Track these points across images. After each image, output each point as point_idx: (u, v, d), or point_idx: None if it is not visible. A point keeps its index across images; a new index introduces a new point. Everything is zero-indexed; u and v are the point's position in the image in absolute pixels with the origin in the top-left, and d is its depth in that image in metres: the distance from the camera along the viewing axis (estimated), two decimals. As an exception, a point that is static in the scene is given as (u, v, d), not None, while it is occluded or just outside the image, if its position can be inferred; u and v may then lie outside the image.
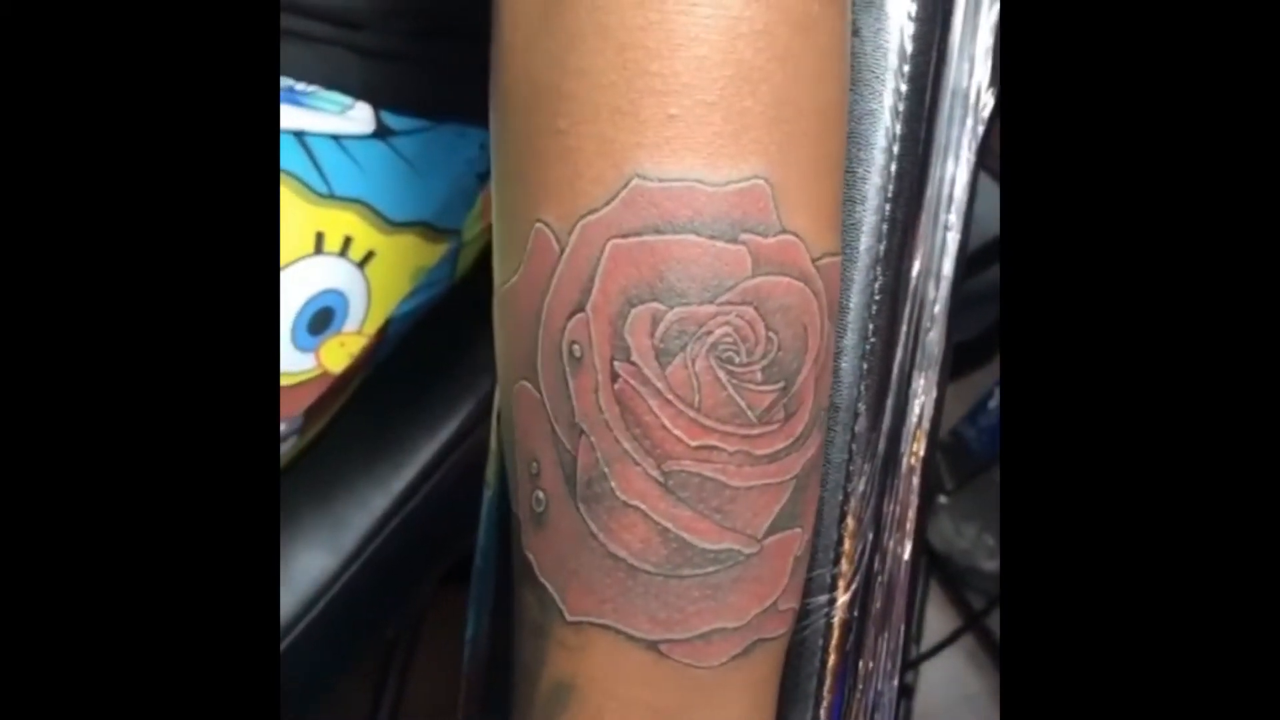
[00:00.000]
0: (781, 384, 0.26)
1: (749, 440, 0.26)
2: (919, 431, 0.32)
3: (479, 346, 0.58)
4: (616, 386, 0.26)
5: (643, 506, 0.26)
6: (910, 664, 0.97)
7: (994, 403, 0.89)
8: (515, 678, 0.29)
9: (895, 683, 0.32)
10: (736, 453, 0.26)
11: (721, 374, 0.26)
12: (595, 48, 0.25)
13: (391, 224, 0.49)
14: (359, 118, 0.47)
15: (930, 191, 0.32)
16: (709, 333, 0.25)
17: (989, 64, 0.33)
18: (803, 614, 0.30)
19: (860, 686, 0.32)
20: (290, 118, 0.45)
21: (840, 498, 0.31)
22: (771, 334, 0.26)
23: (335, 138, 0.46)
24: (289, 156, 0.45)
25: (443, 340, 0.57)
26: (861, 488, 0.31)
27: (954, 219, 0.32)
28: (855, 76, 0.31)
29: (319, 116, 0.46)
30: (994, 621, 0.99)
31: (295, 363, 0.47)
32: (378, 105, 0.47)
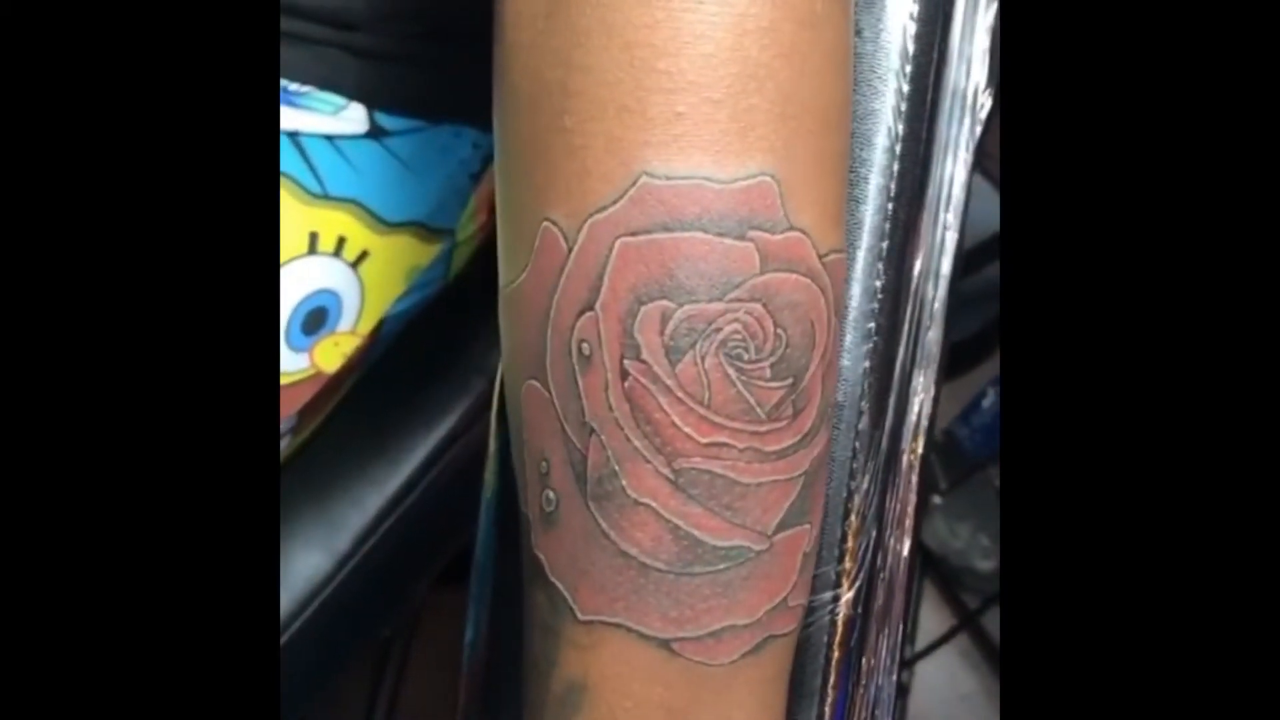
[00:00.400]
0: (790, 380, 0.26)
1: (758, 437, 0.26)
2: (918, 429, 0.32)
3: (473, 346, 0.58)
4: (626, 384, 0.25)
5: (653, 504, 0.26)
6: (906, 663, 0.97)
7: (987, 402, 0.90)
8: (525, 678, 0.29)
9: (894, 678, 0.32)
10: (746, 449, 0.26)
11: (731, 371, 0.25)
12: (601, 45, 0.25)
13: (385, 224, 0.48)
14: (353, 118, 0.47)
15: (931, 191, 0.32)
16: (718, 330, 0.25)
17: (986, 65, 0.33)
18: (808, 610, 0.30)
19: (863, 682, 0.32)
20: (285, 118, 0.45)
21: (844, 495, 0.31)
22: (780, 330, 0.26)
23: (329, 138, 0.46)
24: (283, 157, 0.45)
25: (437, 340, 0.57)
26: (865, 485, 0.31)
27: (952, 218, 0.32)
28: (858, 76, 0.31)
29: (313, 117, 0.46)
30: (989, 621, 0.99)
31: (289, 363, 0.47)
32: (371, 106, 0.47)
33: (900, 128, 0.31)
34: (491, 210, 0.55)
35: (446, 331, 0.57)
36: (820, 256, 0.27)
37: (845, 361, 0.32)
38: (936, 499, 0.99)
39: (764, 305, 0.26)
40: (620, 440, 0.26)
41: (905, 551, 0.32)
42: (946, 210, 0.32)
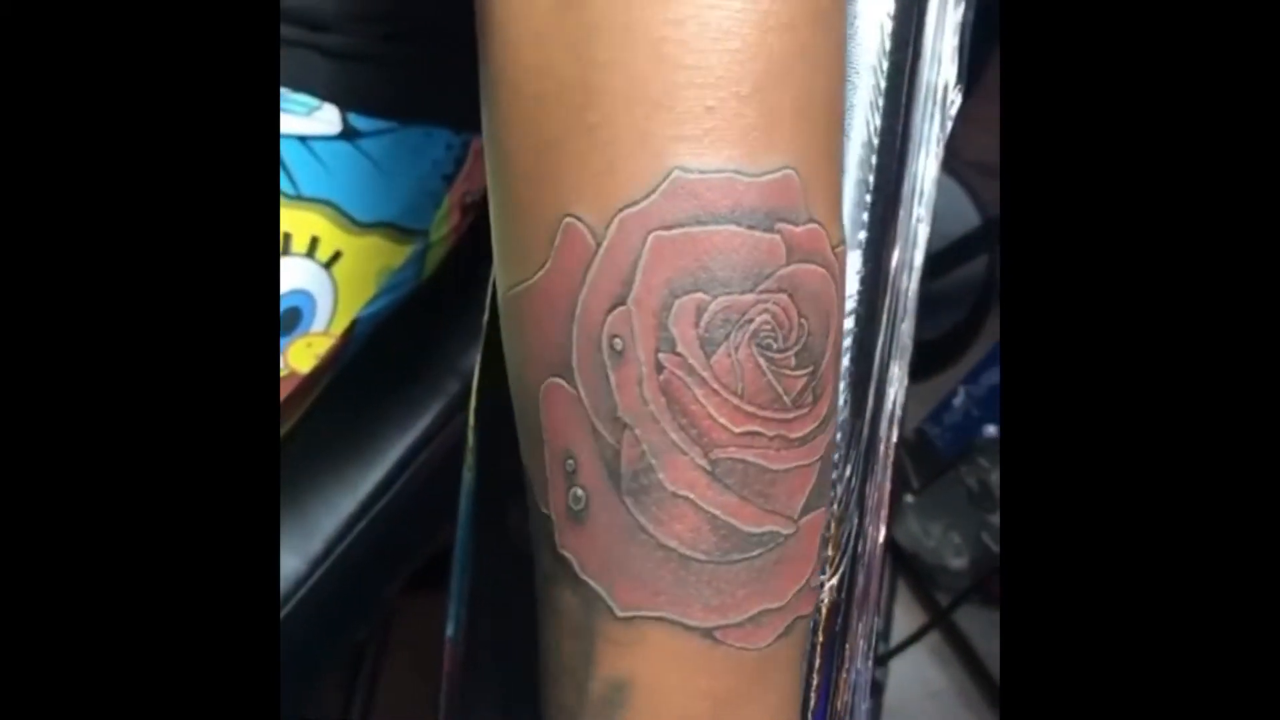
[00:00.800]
0: (810, 368, 0.27)
1: (785, 424, 0.26)
2: (894, 418, 0.33)
3: (447, 347, 0.58)
4: (662, 378, 0.26)
5: (691, 496, 0.26)
6: (879, 660, 0.98)
7: (958, 400, 0.90)
8: (551, 684, 0.29)
9: (871, 663, 0.33)
10: (775, 437, 0.26)
11: (762, 361, 0.26)
12: (624, 41, 0.25)
13: (358, 225, 0.48)
14: (326, 119, 0.47)
15: (907, 185, 0.33)
16: (750, 321, 0.26)
17: (955, 62, 0.34)
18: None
19: (845, 666, 0.33)
20: (257, 118, 0.45)
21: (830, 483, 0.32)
22: (803, 320, 0.26)
23: (302, 139, 0.46)
24: (256, 156, 0.44)
25: (410, 341, 0.57)
26: (848, 473, 0.32)
27: (924, 212, 0.33)
28: (838, 71, 0.32)
29: (286, 118, 0.46)
30: (961, 618, 1.00)
31: (263, 364, 0.47)
32: (344, 107, 0.47)
33: (878, 122, 0.32)
34: (465, 211, 0.55)
35: (420, 332, 0.57)
36: (832, 247, 0.27)
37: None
38: (909, 498, 0.99)
39: (789, 296, 0.26)
40: (657, 433, 0.26)
41: (881, 538, 0.33)
42: (919, 204, 0.33)
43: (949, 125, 0.33)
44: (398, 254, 0.51)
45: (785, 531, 0.27)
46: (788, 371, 0.26)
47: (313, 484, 0.55)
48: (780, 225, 0.26)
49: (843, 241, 0.28)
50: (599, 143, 0.25)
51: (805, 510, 0.27)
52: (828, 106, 0.27)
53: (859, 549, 0.32)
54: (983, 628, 0.98)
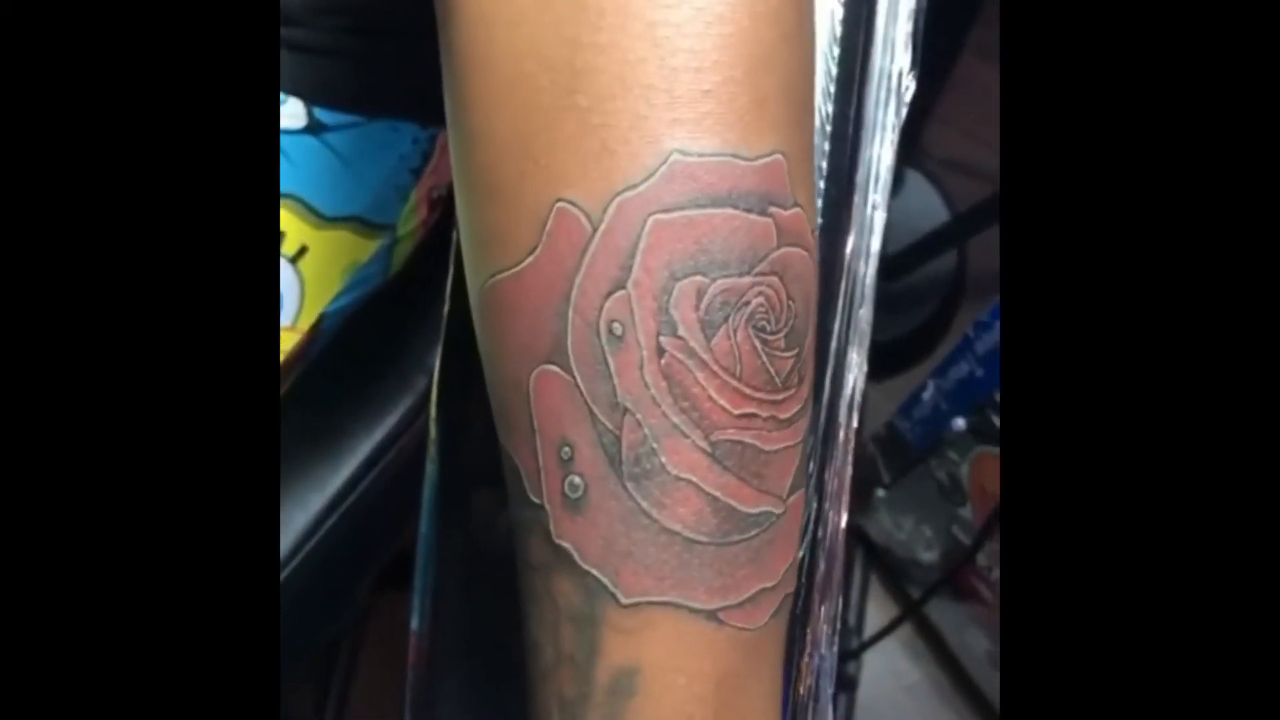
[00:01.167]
0: (796, 350, 0.27)
1: (776, 405, 0.27)
2: (852, 404, 0.33)
3: (414, 342, 0.58)
4: (663, 361, 0.25)
5: (694, 478, 0.26)
6: (852, 654, 0.98)
7: (927, 394, 0.91)
8: (549, 678, 0.28)
9: (835, 649, 0.33)
10: (768, 418, 0.26)
11: (757, 343, 0.26)
12: (618, 24, 0.25)
13: (324, 219, 0.48)
14: (291, 113, 0.47)
15: (861, 171, 0.33)
16: (747, 303, 0.26)
17: (909, 49, 0.34)
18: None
19: (808, 651, 0.33)
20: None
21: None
22: (790, 302, 0.27)
23: (266, 132, 0.46)
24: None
25: (377, 337, 0.57)
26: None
27: (880, 198, 0.33)
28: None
29: (249, 111, 0.45)
30: (933, 612, 1.01)
31: (228, 360, 0.46)
32: (310, 101, 0.47)
33: (829, 108, 0.32)
34: (432, 205, 0.55)
35: (387, 328, 0.57)
36: (811, 231, 0.27)
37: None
38: (880, 492, 1.00)
39: (780, 278, 0.26)
40: (659, 417, 0.26)
41: (843, 524, 0.33)
42: (875, 190, 0.33)
43: (904, 112, 0.33)
44: (365, 249, 0.51)
45: (777, 511, 0.27)
46: (779, 353, 0.26)
47: (282, 481, 0.54)
48: (772, 209, 0.26)
49: (818, 224, 0.28)
50: (591, 126, 0.25)
51: (793, 489, 0.28)
52: (806, 92, 0.27)
53: (819, 534, 0.33)
54: (954, 620, 0.98)
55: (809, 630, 0.33)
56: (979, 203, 0.98)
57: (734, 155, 0.25)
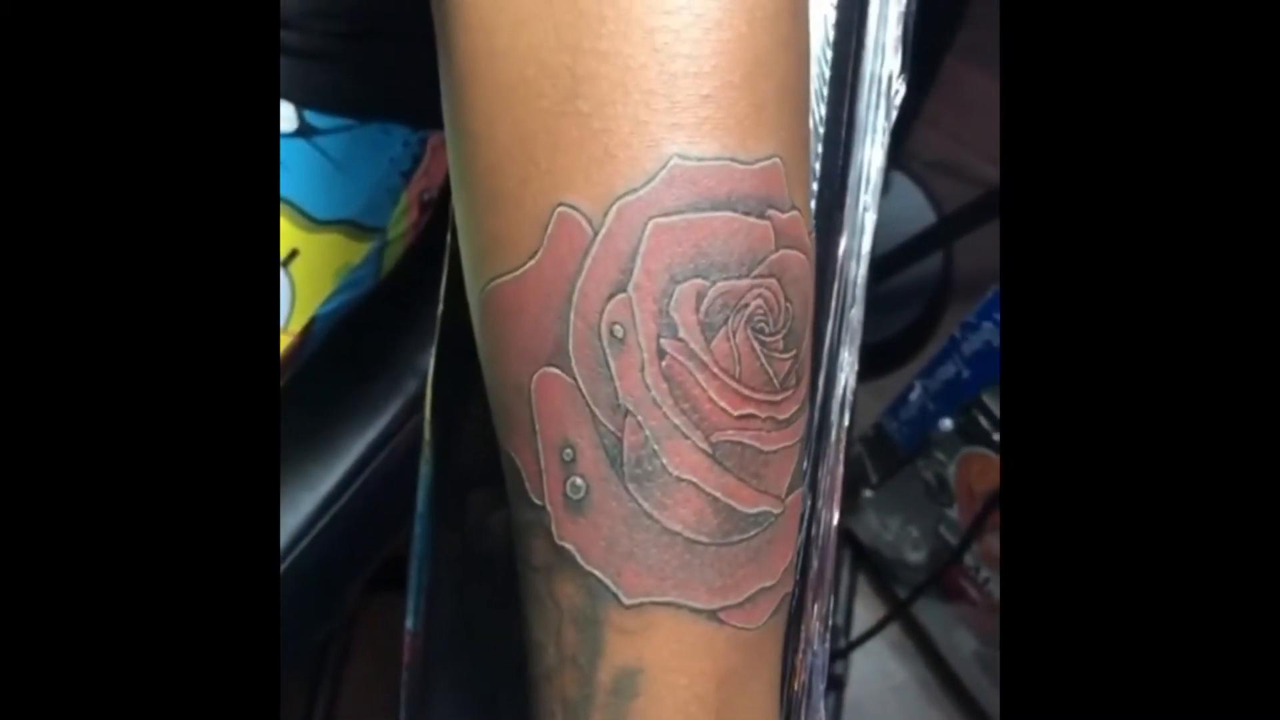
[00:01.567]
0: (794, 351, 0.27)
1: (775, 406, 0.27)
2: (844, 404, 0.33)
3: (405, 345, 0.58)
4: (664, 363, 0.26)
5: (694, 479, 0.26)
6: (839, 653, 0.98)
7: (914, 395, 0.91)
8: (550, 680, 0.28)
9: (827, 645, 0.33)
10: (767, 419, 0.27)
11: (756, 344, 0.26)
12: (618, 31, 0.25)
13: (315, 222, 0.48)
14: (282, 116, 0.47)
15: (853, 174, 0.33)
16: (746, 305, 0.26)
17: (899, 53, 0.34)
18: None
19: (801, 648, 0.33)
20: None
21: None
22: (788, 304, 0.27)
23: (258, 135, 0.46)
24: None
25: (369, 339, 0.57)
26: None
27: (870, 200, 0.33)
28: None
29: (241, 114, 0.46)
30: (920, 611, 1.01)
31: (220, 362, 0.47)
32: (301, 104, 0.47)
33: (822, 111, 0.32)
34: (423, 208, 0.55)
35: (378, 331, 0.57)
36: (807, 234, 0.28)
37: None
38: (867, 492, 1.00)
39: (778, 280, 0.26)
40: (659, 419, 0.26)
41: (835, 521, 0.33)
42: (866, 192, 0.33)
43: (894, 115, 0.33)
44: (356, 251, 0.52)
45: (775, 511, 0.27)
46: (777, 354, 0.27)
47: (272, 483, 0.54)
48: (770, 212, 0.26)
49: (813, 227, 0.29)
50: (593, 131, 0.25)
51: (791, 489, 0.28)
52: (802, 97, 0.28)
53: (812, 532, 0.33)
54: (941, 620, 0.99)
55: (803, 627, 0.33)
56: (965, 204, 0.98)
57: (732, 159, 0.26)
